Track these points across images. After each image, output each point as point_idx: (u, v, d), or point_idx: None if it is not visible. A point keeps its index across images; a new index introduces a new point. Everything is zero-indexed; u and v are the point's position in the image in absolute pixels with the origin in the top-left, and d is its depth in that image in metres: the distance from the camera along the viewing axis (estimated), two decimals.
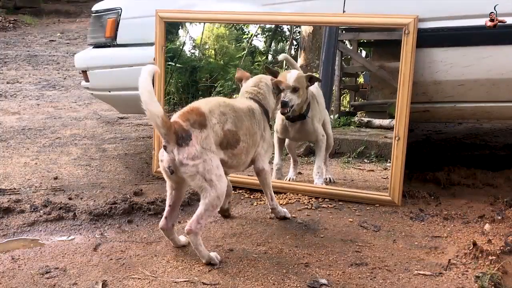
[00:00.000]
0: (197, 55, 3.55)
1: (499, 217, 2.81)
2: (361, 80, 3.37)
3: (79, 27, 11.54)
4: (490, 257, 2.37)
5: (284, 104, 3.02)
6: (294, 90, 3.06)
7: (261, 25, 3.47)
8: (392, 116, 3.02)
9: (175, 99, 3.39)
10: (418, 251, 2.52)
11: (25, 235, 2.72)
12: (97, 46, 3.72)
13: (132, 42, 3.54)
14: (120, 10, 3.54)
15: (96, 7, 3.75)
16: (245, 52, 3.39)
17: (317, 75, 3.31)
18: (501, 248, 2.48)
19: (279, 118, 3.26)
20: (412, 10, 2.95)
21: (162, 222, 2.51)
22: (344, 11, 3.07)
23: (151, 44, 3.39)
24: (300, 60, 3.42)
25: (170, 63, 3.45)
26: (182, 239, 2.58)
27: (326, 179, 3.29)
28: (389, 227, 2.77)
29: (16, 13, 12.69)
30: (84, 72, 3.76)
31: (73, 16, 13.04)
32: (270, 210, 2.85)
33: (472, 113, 3.26)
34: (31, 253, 2.51)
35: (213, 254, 2.41)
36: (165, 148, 2.34)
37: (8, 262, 2.41)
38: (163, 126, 2.26)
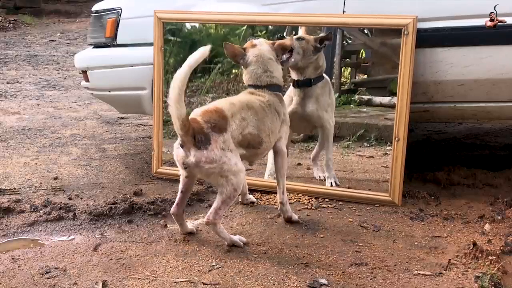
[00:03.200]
0: (197, 27, 3.46)
1: (499, 217, 2.82)
2: (362, 54, 3.30)
3: (79, 27, 11.53)
4: (490, 257, 2.37)
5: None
6: (300, 39, 3.09)
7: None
8: (392, 93, 3.01)
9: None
10: (418, 251, 2.52)
11: (25, 235, 2.72)
12: (97, 46, 3.72)
13: (132, 42, 3.55)
14: (120, 10, 3.53)
15: (96, 7, 3.75)
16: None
17: None
18: (501, 248, 2.48)
19: None
20: (412, 10, 2.95)
21: (173, 208, 2.57)
22: (344, 12, 3.08)
23: (151, 44, 3.39)
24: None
25: (170, 37, 3.40)
26: (190, 226, 2.65)
27: (332, 184, 3.21)
28: (389, 227, 2.77)
29: (16, 13, 12.68)
30: (84, 72, 3.76)
31: (73, 16, 13.04)
32: (278, 205, 2.80)
33: (472, 113, 3.25)
34: (31, 253, 2.51)
35: (236, 237, 2.49)
36: (181, 146, 2.36)
37: (8, 262, 2.41)
38: (181, 129, 2.29)
